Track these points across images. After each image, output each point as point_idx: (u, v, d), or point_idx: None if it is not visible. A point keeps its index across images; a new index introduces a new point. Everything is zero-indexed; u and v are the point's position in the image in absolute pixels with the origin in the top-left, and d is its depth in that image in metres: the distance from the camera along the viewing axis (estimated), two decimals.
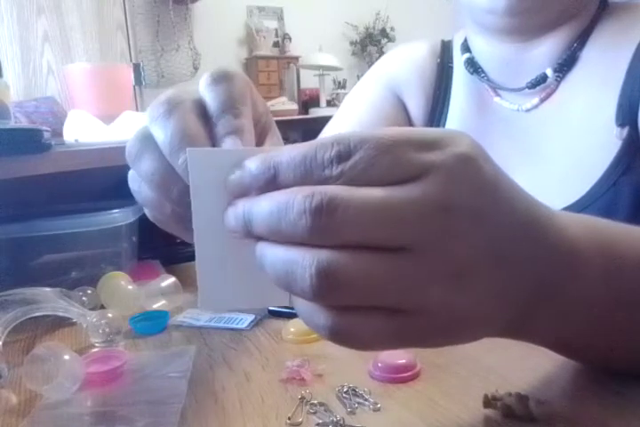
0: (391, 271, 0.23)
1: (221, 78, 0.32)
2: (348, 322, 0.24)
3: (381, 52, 3.83)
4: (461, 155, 0.24)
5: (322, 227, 0.22)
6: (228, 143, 0.30)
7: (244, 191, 0.26)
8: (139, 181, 0.33)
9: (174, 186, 0.30)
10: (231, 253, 0.28)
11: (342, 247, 0.23)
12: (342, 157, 0.23)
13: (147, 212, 0.35)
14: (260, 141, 0.37)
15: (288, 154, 0.24)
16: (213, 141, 0.31)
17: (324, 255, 0.23)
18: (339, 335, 0.25)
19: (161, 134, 0.30)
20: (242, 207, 0.25)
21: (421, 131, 0.25)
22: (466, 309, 0.25)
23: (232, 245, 0.28)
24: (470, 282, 0.24)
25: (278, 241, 0.24)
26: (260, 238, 0.25)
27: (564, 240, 0.28)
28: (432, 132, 0.25)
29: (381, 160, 0.23)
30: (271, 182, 0.25)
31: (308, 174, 0.24)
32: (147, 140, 0.31)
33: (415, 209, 0.23)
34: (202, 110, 0.32)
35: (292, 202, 0.23)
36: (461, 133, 0.26)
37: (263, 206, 0.24)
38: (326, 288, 0.23)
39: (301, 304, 0.25)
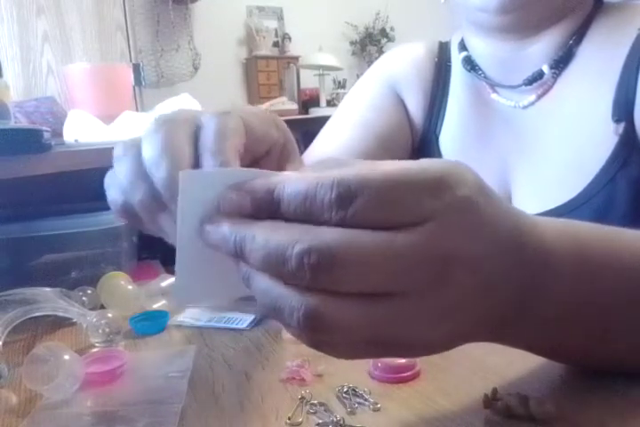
0: (376, 315, 0.24)
1: (220, 113, 0.33)
2: (332, 346, 0.26)
3: (381, 52, 3.83)
4: (463, 201, 0.25)
5: (320, 279, 0.23)
6: (207, 158, 0.31)
7: (239, 211, 0.26)
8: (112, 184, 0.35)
9: (139, 190, 0.32)
10: (210, 252, 0.28)
11: (332, 292, 0.23)
12: (343, 200, 0.23)
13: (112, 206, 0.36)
14: (280, 167, 0.38)
15: (291, 189, 0.24)
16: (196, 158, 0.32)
17: (312, 299, 0.23)
18: (323, 351, 0.26)
19: (147, 147, 0.32)
20: (233, 232, 0.25)
21: (423, 169, 0.25)
22: (443, 339, 0.27)
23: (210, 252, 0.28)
24: (453, 316, 0.25)
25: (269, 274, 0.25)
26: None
27: (540, 249, 0.29)
28: (434, 171, 0.25)
29: (382, 206, 0.23)
30: (270, 212, 0.25)
31: (307, 215, 0.24)
32: (131, 145, 0.33)
33: (413, 257, 0.23)
34: (193, 130, 0.33)
35: (289, 253, 0.23)
36: (463, 170, 0.26)
37: (259, 242, 0.24)
38: (312, 329, 0.24)
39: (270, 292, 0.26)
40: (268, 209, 0.25)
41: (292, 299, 0.24)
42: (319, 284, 0.23)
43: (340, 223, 0.23)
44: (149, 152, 0.32)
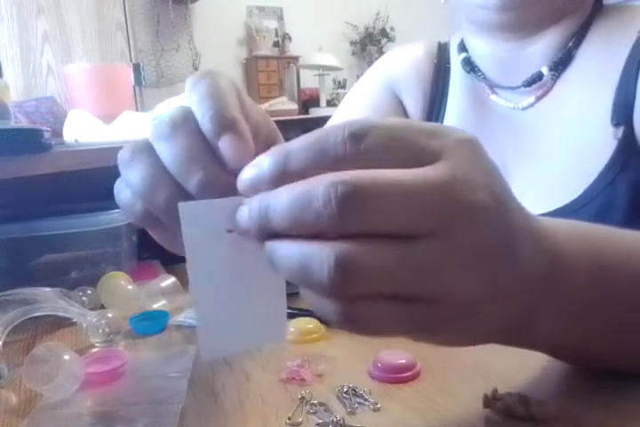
0: (409, 259, 0.23)
1: (199, 78, 0.31)
2: (361, 310, 0.24)
3: (381, 52, 3.83)
4: (467, 140, 0.25)
5: (349, 215, 0.22)
6: (224, 145, 0.29)
7: (257, 187, 0.25)
8: (125, 189, 0.33)
9: (162, 193, 0.30)
10: (228, 298, 0.28)
11: (361, 237, 0.22)
12: (356, 137, 0.23)
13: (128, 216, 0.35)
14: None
15: (299, 140, 0.24)
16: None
17: (342, 247, 0.22)
18: (351, 322, 0.24)
19: (168, 153, 0.30)
20: (257, 203, 0.25)
21: (423, 122, 0.25)
22: (475, 297, 0.25)
23: (229, 291, 0.28)
24: (482, 269, 0.24)
25: (293, 235, 0.24)
26: (269, 237, 0.25)
27: (554, 248, 0.29)
28: (433, 124, 0.25)
29: (395, 144, 0.23)
30: (285, 171, 0.24)
31: (321, 156, 0.23)
32: (141, 148, 0.31)
33: (438, 191, 0.23)
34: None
35: (315, 192, 0.22)
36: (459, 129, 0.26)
37: (282, 198, 0.23)
38: (344, 280, 0.22)
39: (312, 293, 0.25)
40: (279, 169, 0.24)
41: (320, 252, 0.22)
42: (346, 224, 0.22)
43: (356, 162, 0.23)
44: (173, 156, 0.30)
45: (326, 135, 0.23)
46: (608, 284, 0.32)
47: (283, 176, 0.24)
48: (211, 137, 0.29)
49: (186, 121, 0.30)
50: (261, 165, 0.25)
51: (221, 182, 0.28)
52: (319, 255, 0.22)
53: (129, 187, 0.32)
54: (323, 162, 0.23)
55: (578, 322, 0.31)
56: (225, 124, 0.29)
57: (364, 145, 0.23)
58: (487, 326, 0.27)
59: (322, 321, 0.50)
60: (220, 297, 0.28)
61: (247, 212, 0.25)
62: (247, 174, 0.26)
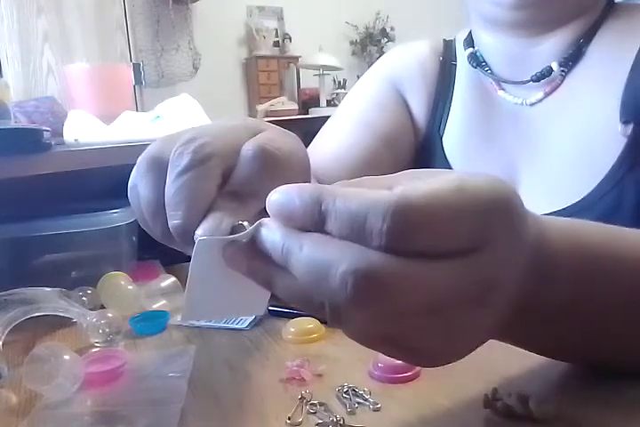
0: (409, 325, 0.24)
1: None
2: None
3: (381, 52, 3.83)
4: (512, 231, 0.25)
5: (357, 301, 0.23)
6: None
7: (284, 215, 0.25)
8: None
9: (159, 223, 0.32)
10: (221, 270, 0.28)
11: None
12: (394, 233, 0.22)
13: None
14: None
15: (341, 205, 0.23)
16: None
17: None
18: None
19: (171, 185, 0.31)
20: (281, 242, 0.25)
21: (476, 191, 0.24)
22: (456, 354, 0.27)
23: (223, 265, 0.28)
24: (468, 339, 0.27)
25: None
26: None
27: (545, 250, 0.29)
28: (487, 194, 0.24)
29: (436, 237, 0.23)
30: (315, 222, 0.24)
31: (354, 236, 0.23)
32: (155, 163, 0.32)
33: (459, 284, 0.23)
34: (223, 171, 0.32)
35: (334, 272, 0.22)
36: (510, 192, 0.26)
37: (305, 253, 0.24)
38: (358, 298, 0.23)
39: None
40: (313, 219, 0.24)
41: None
42: (358, 306, 0.23)
43: (389, 250, 0.22)
44: (171, 193, 0.31)
45: (364, 217, 0.22)
46: (595, 284, 0.32)
47: (312, 225, 0.24)
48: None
49: (203, 158, 0.31)
50: (295, 201, 0.24)
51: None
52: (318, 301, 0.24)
53: (138, 204, 0.33)
54: (357, 235, 0.23)
55: (558, 321, 0.32)
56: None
57: (403, 236, 0.22)
58: (485, 335, 0.29)
59: (322, 321, 0.50)
60: (215, 266, 0.28)
61: (270, 240, 0.25)
62: (278, 198, 0.25)
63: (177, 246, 0.33)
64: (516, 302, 0.28)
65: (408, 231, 0.22)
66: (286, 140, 0.35)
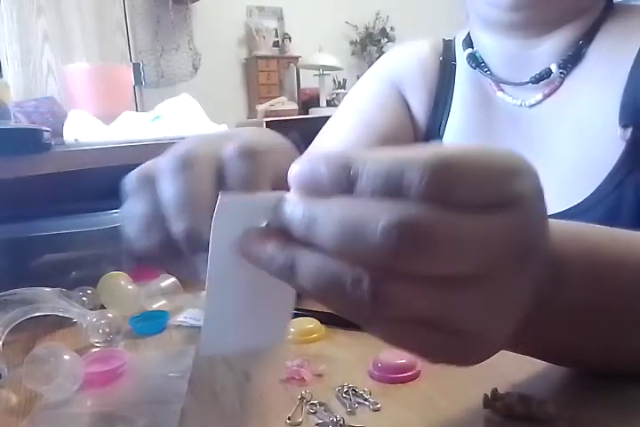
0: (456, 298, 0.23)
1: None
2: (398, 330, 0.24)
3: (381, 52, 3.83)
4: (537, 184, 0.25)
5: (406, 259, 0.21)
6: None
7: (308, 185, 0.23)
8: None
9: (157, 235, 0.31)
10: (240, 295, 0.27)
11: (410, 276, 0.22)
12: (438, 179, 0.21)
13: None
14: None
15: (373, 166, 0.22)
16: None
17: (381, 275, 0.21)
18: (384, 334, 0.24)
19: (167, 190, 0.30)
20: (302, 211, 0.23)
21: (506, 154, 0.24)
22: (500, 336, 0.26)
23: (243, 289, 0.27)
24: (515, 310, 0.26)
25: (328, 252, 0.22)
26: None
27: (552, 252, 0.29)
28: (516, 157, 0.24)
29: (479, 191, 0.22)
30: (344, 188, 0.22)
31: (393, 188, 0.21)
32: (147, 178, 0.32)
33: (504, 240, 0.22)
34: (216, 172, 0.32)
35: (373, 227, 0.20)
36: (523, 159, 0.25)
37: (334, 215, 0.21)
38: (381, 304, 0.21)
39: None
40: (341, 185, 0.22)
41: (356, 270, 0.21)
42: (402, 264, 0.21)
43: (431, 203, 0.21)
44: (169, 197, 0.30)
45: (401, 173, 0.21)
46: (604, 288, 0.31)
47: (340, 192, 0.22)
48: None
49: (192, 161, 0.31)
50: (322, 170, 0.23)
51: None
52: (354, 278, 0.21)
53: (132, 219, 0.32)
54: (393, 192, 0.21)
55: (571, 327, 0.31)
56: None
57: (444, 187, 0.21)
58: (494, 347, 0.28)
59: (322, 321, 0.50)
60: (233, 294, 0.27)
61: (289, 214, 0.23)
62: (302, 169, 0.23)
63: (172, 264, 0.32)
64: (533, 298, 0.27)
65: (449, 182, 0.21)
66: (266, 135, 0.36)
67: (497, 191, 0.22)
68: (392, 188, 0.21)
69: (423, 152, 0.21)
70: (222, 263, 0.26)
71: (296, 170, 0.23)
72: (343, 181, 0.22)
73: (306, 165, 0.23)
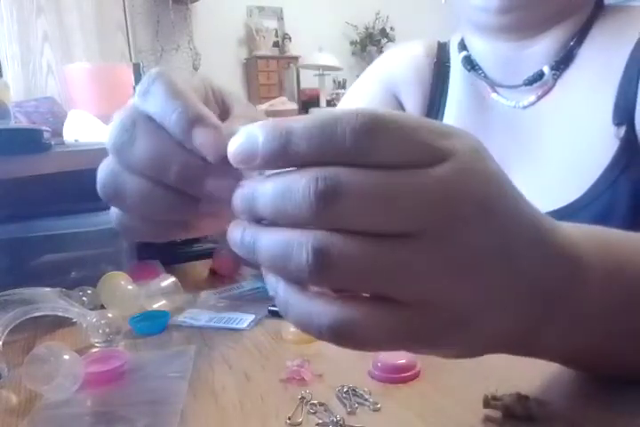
0: (391, 256, 0.22)
1: (151, 80, 0.30)
2: (349, 316, 0.23)
3: (381, 52, 3.81)
4: (474, 146, 0.24)
5: (324, 212, 0.22)
6: (198, 140, 0.28)
7: (249, 160, 0.24)
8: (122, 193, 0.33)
9: (174, 165, 0.28)
10: None
11: (344, 231, 0.22)
12: (367, 132, 0.22)
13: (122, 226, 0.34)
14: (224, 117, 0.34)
15: (303, 122, 0.23)
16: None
17: (321, 234, 0.22)
18: (340, 332, 0.24)
19: (168, 110, 0.28)
20: (248, 188, 0.24)
21: (432, 121, 0.24)
22: (469, 306, 0.24)
23: None
24: (475, 276, 0.24)
25: (279, 224, 0.23)
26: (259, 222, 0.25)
27: (567, 247, 0.28)
28: (441, 123, 0.25)
29: (406, 145, 0.22)
30: (280, 153, 0.23)
31: (326, 147, 0.22)
32: (137, 123, 0.30)
33: (426, 195, 0.22)
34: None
35: (296, 186, 0.22)
36: (465, 131, 0.26)
37: (268, 188, 0.23)
38: (322, 265, 0.22)
39: (299, 307, 0.24)
40: (274, 148, 0.23)
41: (300, 236, 0.22)
42: (322, 220, 0.22)
43: (361, 157, 0.22)
44: (175, 115, 0.28)
45: (334, 123, 0.22)
46: (626, 288, 0.31)
47: (275, 158, 0.23)
48: (181, 138, 0.28)
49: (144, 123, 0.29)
50: (254, 137, 0.23)
51: (201, 171, 0.28)
52: (299, 239, 0.22)
53: (132, 173, 0.31)
54: (325, 153, 0.22)
55: (596, 329, 0.30)
56: (192, 120, 0.28)
57: (373, 142, 0.22)
58: (487, 337, 0.26)
59: None
60: None
61: (240, 196, 0.25)
62: (239, 147, 0.24)
63: (198, 201, 0.30)
64: (539, 301, 0.26)
65: (376, 138, 0.22)
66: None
67: (424, 148, 0.23)
68: (324, 144, 0.22)
69: (353, 111, 0.22)
70: None
71: (231, 147, 0.24)
72: (276, 144, 0.23)
73: (240, 140, 0.24)
